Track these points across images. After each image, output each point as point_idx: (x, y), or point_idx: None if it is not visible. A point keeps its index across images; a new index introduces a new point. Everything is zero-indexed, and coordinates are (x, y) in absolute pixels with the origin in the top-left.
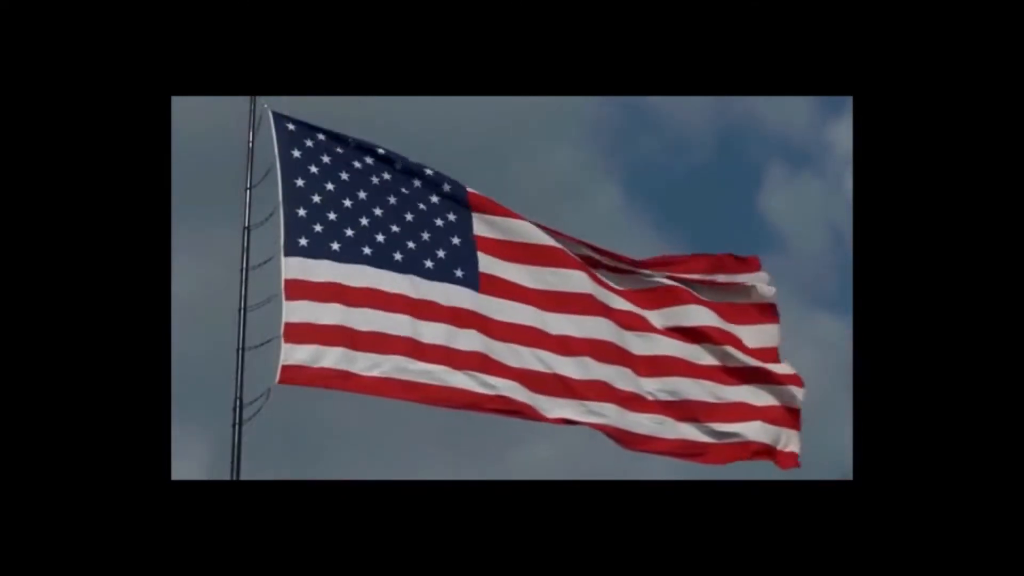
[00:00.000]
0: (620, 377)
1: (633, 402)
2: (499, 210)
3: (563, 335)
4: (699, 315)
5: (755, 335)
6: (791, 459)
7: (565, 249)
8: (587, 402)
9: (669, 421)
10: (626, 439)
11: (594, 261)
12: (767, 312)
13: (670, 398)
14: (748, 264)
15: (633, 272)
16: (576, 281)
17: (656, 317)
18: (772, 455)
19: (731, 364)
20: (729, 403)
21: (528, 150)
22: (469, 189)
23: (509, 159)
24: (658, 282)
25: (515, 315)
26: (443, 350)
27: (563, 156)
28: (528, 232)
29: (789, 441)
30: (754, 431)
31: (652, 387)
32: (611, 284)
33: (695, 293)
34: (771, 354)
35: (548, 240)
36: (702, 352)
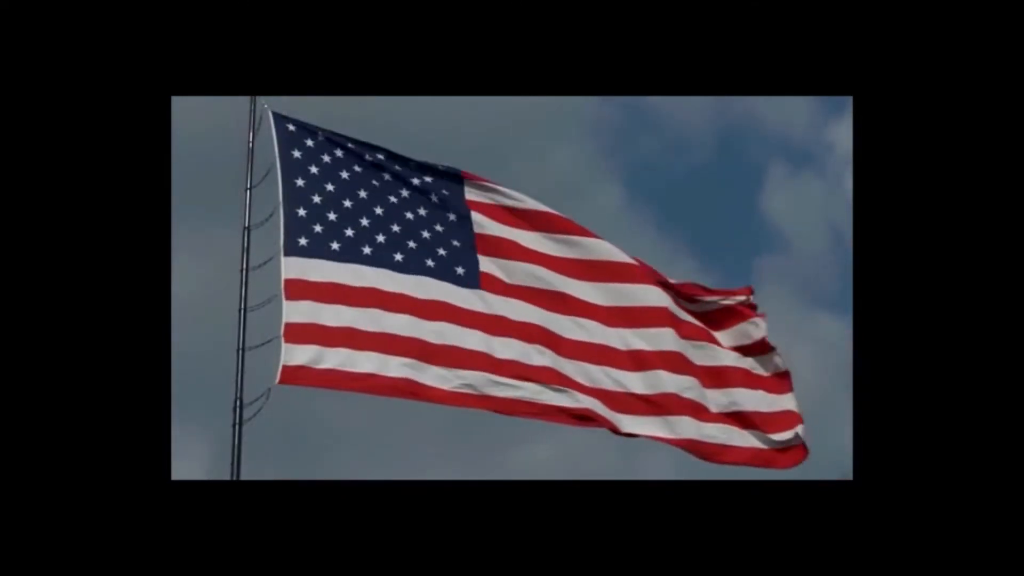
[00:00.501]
0: (689, 387)
1: (702, 413)
2: (500, 215)
3: (633, 350)
4: (756, 329)
5: None
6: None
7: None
8: (668, 417)
9: (735, 430)
10: (704, 451)
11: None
12: None
13: (732, 409)
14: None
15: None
16: (643, 294)
17: (720, 334)
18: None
19: (781, 371)
20: (783, 411)
21: (529, 150)
22: (468, 198)
23: (510, 159)
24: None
25: (516, 312)
26: (450, 349)
27: (564, 156)
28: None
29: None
30: (804, 432)
31: (716, 398)
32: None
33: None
34: None
35: (569, 252)
36: (755, 363)
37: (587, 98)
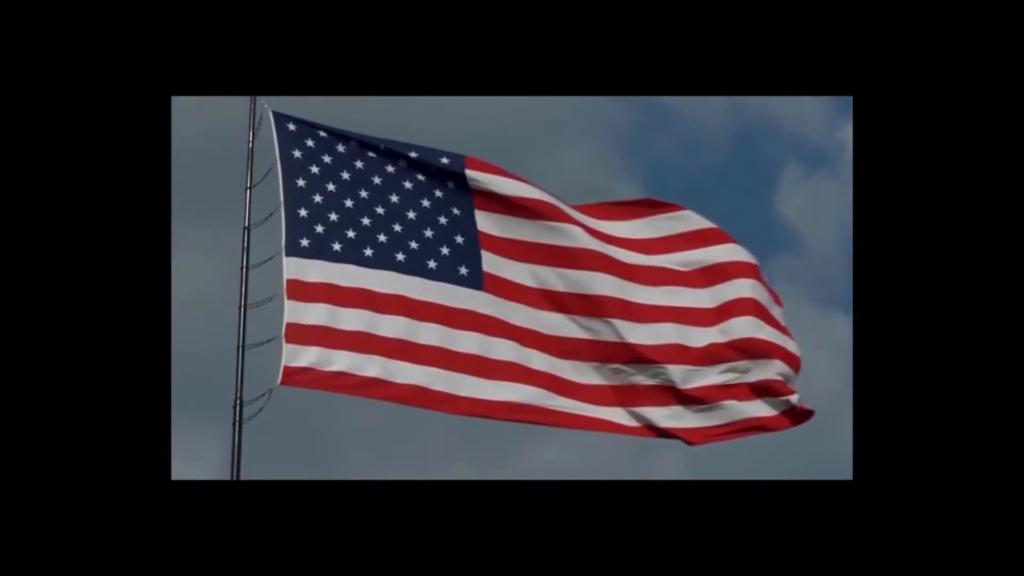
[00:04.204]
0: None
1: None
2: (503, 206)
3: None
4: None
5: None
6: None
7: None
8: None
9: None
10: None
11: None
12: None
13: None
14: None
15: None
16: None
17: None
18: None
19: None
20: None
21: (547, 150)
22: (472, 188)
23: (528, 159)
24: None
25: (518, 316)
26: (441, 351)
27: (581, 156)
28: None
29: None
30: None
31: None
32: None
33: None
34: None
35: (563, 240)
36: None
37: (605, 98)
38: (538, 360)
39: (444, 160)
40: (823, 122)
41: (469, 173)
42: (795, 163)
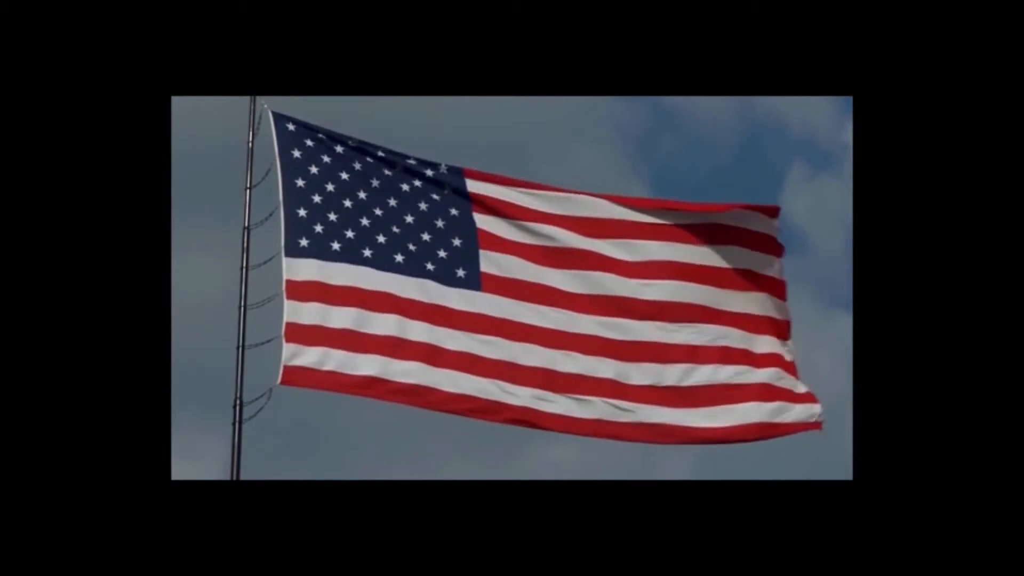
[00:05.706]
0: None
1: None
2: (503, 208)
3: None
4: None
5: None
6: None
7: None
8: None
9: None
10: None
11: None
12: None
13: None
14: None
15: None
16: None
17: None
18: None
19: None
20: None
21: (553, 150)
22: (471, 190)
23: (534, 159)
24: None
25: (518, 314)
26: (450, 353)
27: (588, 156)
28: (543, 232)
29: None
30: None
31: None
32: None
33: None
34: None
35: (564, 241)
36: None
37: (613, 98)
38: (562, 361)
39: (443, 168)
40: (829, 123)
41: (468, 180)
42: (801, 164)
